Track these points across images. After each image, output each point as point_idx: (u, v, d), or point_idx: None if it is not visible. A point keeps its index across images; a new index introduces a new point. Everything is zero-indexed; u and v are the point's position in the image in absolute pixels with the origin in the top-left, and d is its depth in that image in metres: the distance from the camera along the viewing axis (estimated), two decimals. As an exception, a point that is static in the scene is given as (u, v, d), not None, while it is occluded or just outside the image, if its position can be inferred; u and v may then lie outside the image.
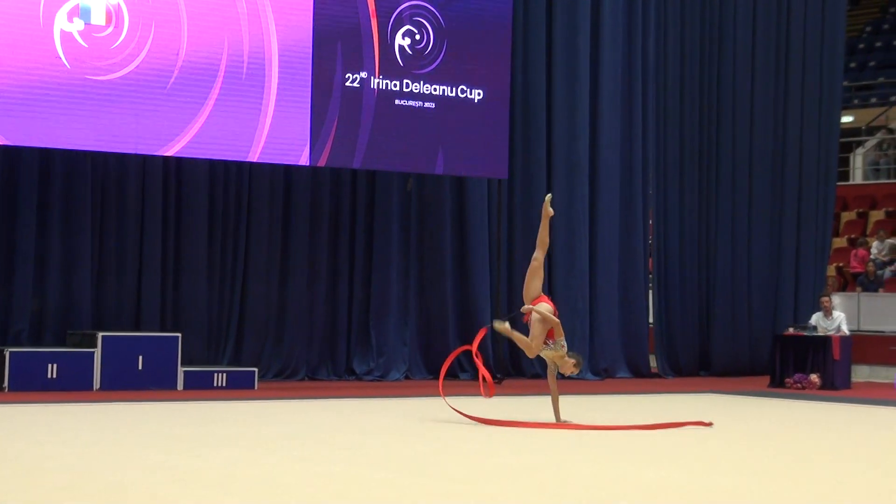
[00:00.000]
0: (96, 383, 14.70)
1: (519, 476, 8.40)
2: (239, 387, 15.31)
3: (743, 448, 10.34)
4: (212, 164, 16.43)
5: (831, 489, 8.17)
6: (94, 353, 14.73)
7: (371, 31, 16.23)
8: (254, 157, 15.54)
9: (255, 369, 15.75)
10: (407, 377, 17.57)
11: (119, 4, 14.75)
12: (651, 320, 19.68)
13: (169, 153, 15.11)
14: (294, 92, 15.65)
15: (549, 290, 18.51)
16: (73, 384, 14.49)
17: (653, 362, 19.55)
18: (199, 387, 15.10)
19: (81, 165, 15.84)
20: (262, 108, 15.46)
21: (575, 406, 14.14)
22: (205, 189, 16.61)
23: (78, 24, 14.54)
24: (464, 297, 18.05)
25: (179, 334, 15.38)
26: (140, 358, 14.95)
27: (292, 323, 17.05)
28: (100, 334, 14.90)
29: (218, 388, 15.21)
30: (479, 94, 16.87)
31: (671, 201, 19.70)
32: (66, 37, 14.46)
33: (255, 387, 15.44)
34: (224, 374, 15.40)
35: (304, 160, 15.80)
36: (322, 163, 15.95)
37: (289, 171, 16.95)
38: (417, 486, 7.86)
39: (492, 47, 16.95)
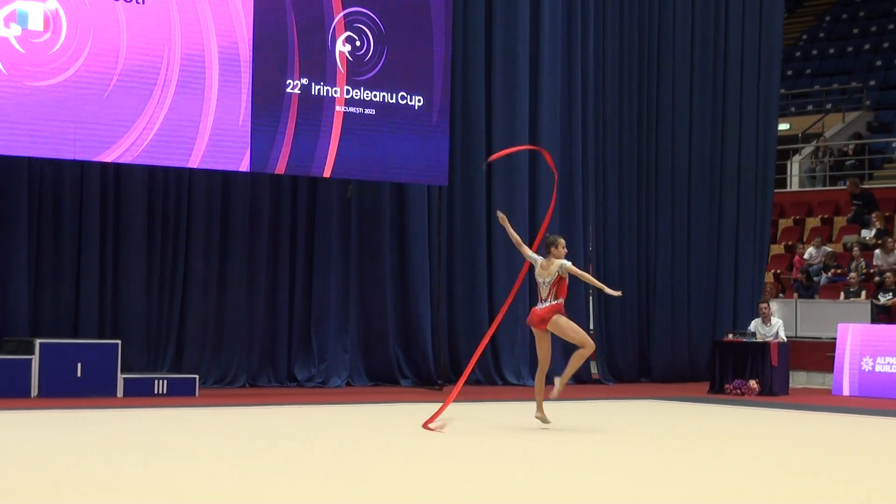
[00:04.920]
0: (34, 390, 14.68)
1: (459, 483, 8.55)
2: (179, 394, 15.35)
3: (674, 453, 10.56)
4: (150, 171, 16.47)
5: (755, 492, 8.40)
6: (31, 360, 14.71)
7: (311, 37, 16.34)
8: (194, 163, 15.60)
9: (196, 376, 15.79)
10: (348, 384, 17.68)
11: (57, 10, 14.77)
12: (591, 327, 19.90)
13: (108, 160, 15.14)
14: (234, 98, 15.73)
15: (489, 296, 18.74)
16: (9, 391, 14.45)
17: (593, 368, 19.78)
18: (140, 394, 15.12)
19: (18, 172, 15.82)
20: (203, 115, 15.53)
21: (515, 414, 14.32)
22: (143, 196, 16.64)
23: (15, 30, 14.54)
24: (404, 303, 18.19)
25: (119, 341, 15.39)
26: (79, 365, 14.95)
27: (232, 330, 17.11)
28: (37, 341, 14.88)
29: (158, 395, 15.24)
30: (419, 101, 17.03)
31: (610, 207, 19.95)
32: (3, 42, 14.46)
33: (196, 394, 15.48)
34: (164, 381, 15.43)
35: (244, 167, 15.88)
36: (263, 169, 16.03)
37: (227, 178, 17.01)
38: (359, 493, 7.99)
39: (432, 54, 17.12)
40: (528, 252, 12.08)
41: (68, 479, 8.05)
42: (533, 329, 11.97)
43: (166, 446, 10.06)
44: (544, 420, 12.08)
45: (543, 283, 11.78)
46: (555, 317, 11.74)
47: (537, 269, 11.85)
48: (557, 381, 11.98)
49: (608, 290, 12.06)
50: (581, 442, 11.21)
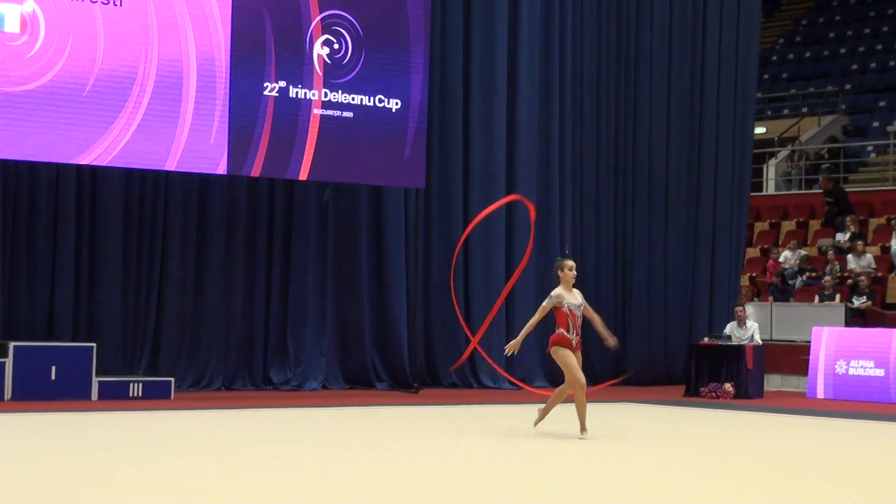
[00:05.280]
0: (7, 393, 14.66)
1: (430, 486, 8.59)
2: (155, 397, 15.33)
3: (647, 456, 10.62)
4: (127, 174, 16.46)
5: (735, 494, 8.47)
6: (5, 362, 14.69)
7: (289, 40, 16.36)
8: (171, 166, 15.61)
9: (172, 379, 15.79)
10: (324, 387, 17.70)
11: (35, 12, 14.75)
12: (567, 330, 19.92)
13: (84, 162, 15.13)
14: (212, 101, 15.74)
15: (466, 300, 18.77)
16: (-16, 394, 14.46)
17: (569, 371, 19.80)
18: (115, 397, 15.11)
19: (-7, 173, 15.80)
20: (180, 118, 15.54)
21: (491, 416, 14.37)
22: (119, 199, 16.63)
23: (-9, 31, 14.52)
24: (381, 307, 18.21)
25: (94, 344, 15.38)
26: (53, 368, 14.94)
27: (209, 333, 17.11)
28: (11, 344, 14.86)
29: (134, 398, 15.23)
30: (396, 104, 17.07)
31: (587, 211, 20.02)
32: (-21, 43, 14.45)
33: (172, 397, 15.48)
34: (140, 384, 15.42)
35: (221, 169, 15.89)
36: (240, 172, 16.05)
37: (205, 181, 17.01)
38: (336, 496, 8.02)
39: (410, 57, 17.16)
40: (544, 306, 11.69)
41: (38, 482, 8.05)
42: (571, 351, 11.64)
43: (141, 448, 10.06)
44: (538, 422, 12.15)
45: (578, 305, 11.61)
46: (552, 348, 11.74)
47: (566, 298, 11.57)
48: (583, 434, 11.67)
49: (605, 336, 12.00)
50: (556, 446, 11.26)
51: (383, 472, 9.11)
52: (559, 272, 11.71)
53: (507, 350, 12.01)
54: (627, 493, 8.39)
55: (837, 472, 9.83)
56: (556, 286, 11.77)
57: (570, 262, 11.79)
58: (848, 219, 23.87)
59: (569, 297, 11.60)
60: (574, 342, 11.60)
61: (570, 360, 11.58)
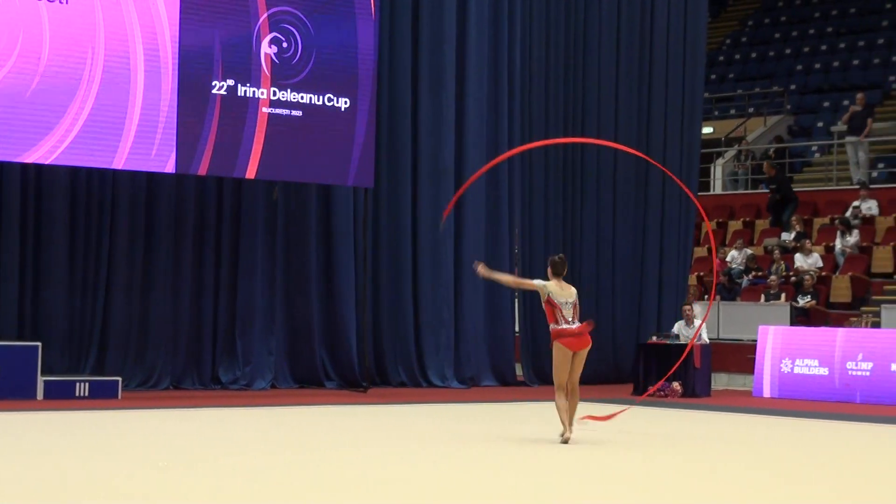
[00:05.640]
0: (-48, 393, 14.53)
1: (378, 488, 8.60)
2: (102, 396, 15.22)
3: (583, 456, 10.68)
4: (73, 172, 16.33)
5: (682, 492, 8.53)
6: (-51, 362, 14.55)
7: (236, 38, 16.28)
8: (118, 164, 15.50)
9: (119, 379, 15.68)
10: (273, 386, 17.64)
11: (-22, 8, 14.60)
12: (517, 329, 20.02)
13: (29, 160, 14.99)
14: (160, 99, 15.64)
15: (415, 299, 18.78)
16: (-73, 394, 14.31)
17: (518, 370, 19.89)
18: (60, 397, 14.98)
19: (-63, 171, 15.64)
20: (127, 116, 15.42)
21: (440, 416, 14.39)
22: (66, 197, 16.50)
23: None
24: (330, 306, 18.17)
25: (39, 343, 15.24)
26: (-3, 367, 14.80)
27: (156, 332, 17.00)
28: (-44, 344, 14.72)
29: (80, 397, 15.11)
30: (345, 103, 17.04)
31: (536, 210, 20.07)
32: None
33: (119, 396, 15.37)
34: (86, 384, 15.31)
35: (169, 168, 15.80)
36: (187, 171, 15.96)
37: (152, 180, 16.90)
38: (280, 496, 8.01)
39: (358, 56, 17.11)
40: (532, 282, 11.83)
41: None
42: (569, 351, 11.44)
43: (85, 448, 9.99)
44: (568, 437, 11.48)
45: (566, 303, 11.50)
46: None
47: (554, 291, 11.49)
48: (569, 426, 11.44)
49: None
50: (507, 447, 11.30)
51: (336, 472, 9.11)
52: (549, 271, 11.68)
53: (475, 265, 11.94)
54: (568, 492, 8.43)
55: (787, 470, 9.93)
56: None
57: (555, 256, 11.87)
58: (793, 218, 24.11)
59: (556, 289, 11.52)
60: (575, 328, 11.42)
61: (556, 362, 11.44)
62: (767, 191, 25.29)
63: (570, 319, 11.45)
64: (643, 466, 9.94)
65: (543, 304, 11.56)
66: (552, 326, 11.49)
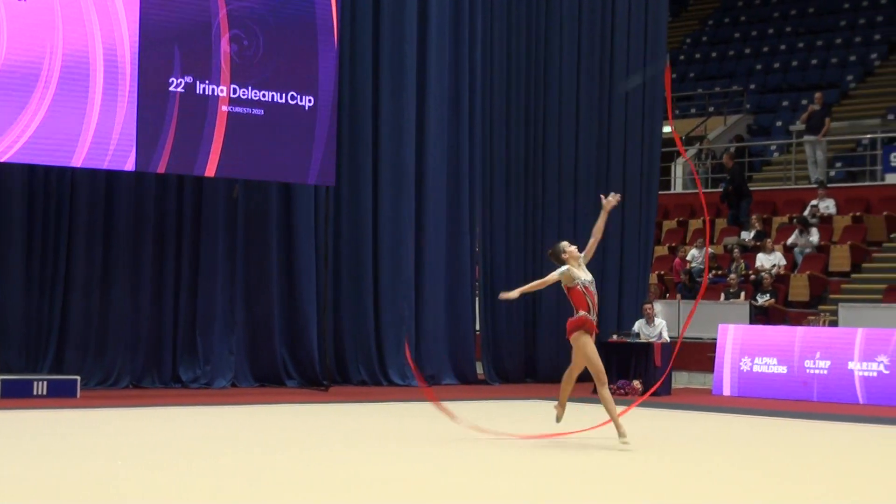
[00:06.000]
0: None
1: (341, 488, 8.61)
2: (60, 395, 15.14)
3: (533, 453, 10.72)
4: (31, 170, 16.22)
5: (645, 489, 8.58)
6: None
7: (196, 35, 16.21)
8: (77, 162, 15.41)
9: (78, 377, 15.59)
10: (234, 385, 17.59)
11: (-64, 4, 14.47)
12: (477, 327, 20.05)
13: (-13, 157, 14.89)
14: (119, 97, 15.56)
15: (376, 297, 18.77)
16: None
17: (479, 369, 19.92)
18: (18, 396, 14.88)
19: None
20: (86, 113, 15.34)
21: (401, 415, 14.40)
22: (23, 195, 16.41)
23: None
24: (291, 304, 18.14)
25: (-4, 342, 15.17)
26: (-46, 366, 14.69)
27: (116, 330, 16.92)
28: (-90, 343, 14.60)
29: (38, 396, 15.02)
30: (306, 101, 16.99)
31: (497, 208, 20.10)
32: None
33: (78, 395, 15.29)
34: (44, 383, 15.21)
35: (129, 166, 15.73)
36: (149, 169, 15.90)
37: (112, 177, 16.82)
38: (246, 495, 8.00)
39: (319, 55, 17.08)
40: (550, 277, 11.22)
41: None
42: (587, 335, 11.07)
43: (43, 447, 9.94)
44: (560, 417, 11.48)
45: (591, 281, 11.05)
46: (575, 334, 11.20)
47: (574, 273, 10.97)
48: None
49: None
50: (465, 445, 11.32)
51: (302, 472, 9.10)
52: (560, 258, 11.08)
53: (501, 296, 11.35)
54: (545, 490, 8.46)
55: (748, 467, 10.00)
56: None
57: (564, 243, 11.22)
58: (753, 217, 24.26)
59: (580, 272, 10.97)
60: (594, 322, 11.03)
61: (591, 352, 10.98)
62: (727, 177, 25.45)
63: (595, 307, 11.00)
64: (608, 463, 9.99)
65: (570, 292, 10.97)
66: (581, 314, 10.96)
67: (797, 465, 10.41)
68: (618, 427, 10.85)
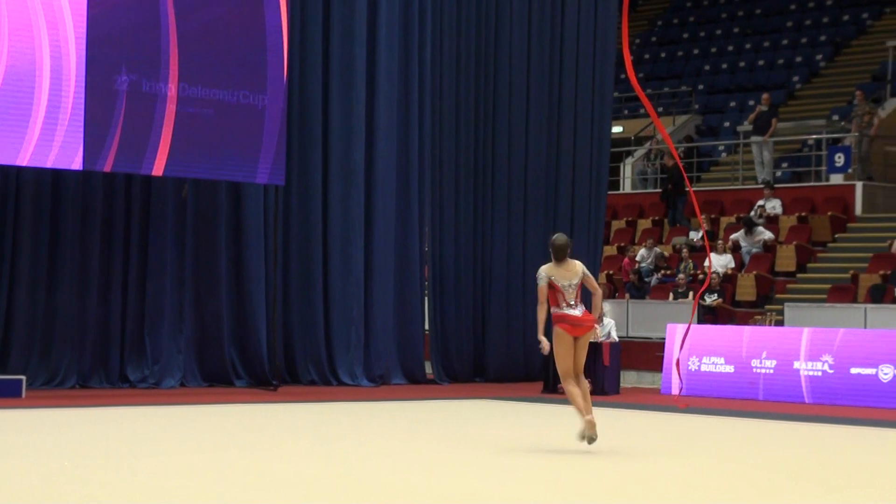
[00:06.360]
0: None
1: (293, 484, 8.60)
2: (5, 395, 14.98)
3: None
4: (-25, 168, 16.09)
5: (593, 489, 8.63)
6: None
7: (145, 33, 16.09)
8: (23, 160, 15.27)
9: (23, 377, 15.46)
10: (182, 384, 17.50)
11: None
12: (426, 327, 20.06)
13: (-69, 155, 14.74)
14: (66, 95, 15.43)
15: (325, 297, 18.74)
16: None
17: (428, 368, 19.94)
18: (-37, 396, 14.76)
19: None
20: (33, 112, 15.21)
21: (349, 413, 14.39)
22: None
23: None
24: (240, 304, 18.08)
25: (-61, 342, 15.00)
26: None
27: (62, 330, 16.80)
28: None
29: (-18, 396, 14.90)
30: (255, 101, 16.92)
31: (447, 209, 20.12)
32: None
33: (23, 395, 15.16)
34: (-11, 383, 15.08)
35: (76, 165, 15.61)
36: (96, 168, 15.79)
37: (58, 177, 16.70)
38: (190, 493, 7.98)
39: (268, 54, 17.01)
40: (541, 288, 10.78)
41: None
42: (569, 337, 10.72)
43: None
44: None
45: (568, 285, 10.72)
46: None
47: (554, 275, 10.72)
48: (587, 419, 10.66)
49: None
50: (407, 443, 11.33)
51: (251, 472, 9.09)
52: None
53: (543, 349, 10.92)
54: (459, 485, 8.48)
55: (695, 466, 10.08)
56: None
57: (554, 237, 11.03)
58: (701, 217, 24.38)
59: (557, 272, 10.76)
60: (578, 315, 10.72)
61: (557, 350, 10.75)
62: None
63: (573, 303, 10.75)
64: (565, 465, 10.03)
65: (544, 289, 10.75)
66: (553, 310, 10.77)
67: (754, 464, 10.51)
68: (583, 411, 10.66)
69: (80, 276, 17.01)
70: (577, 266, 10.85)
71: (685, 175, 13.97)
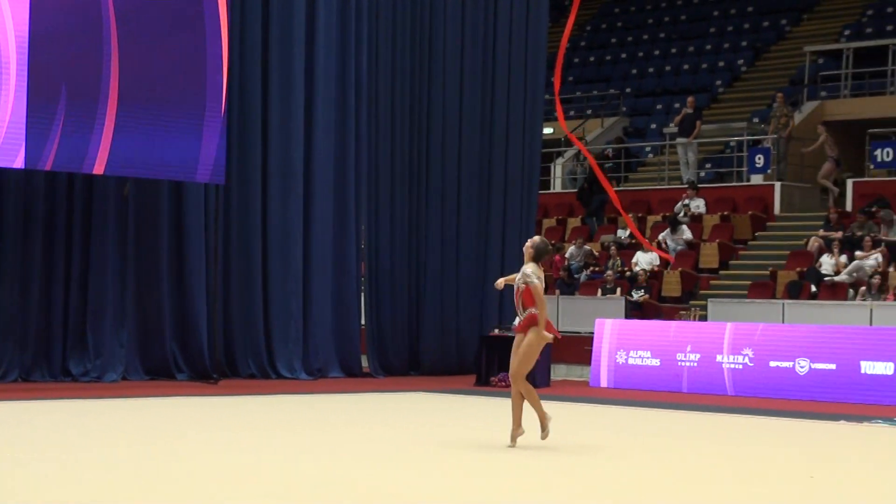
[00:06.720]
0: None
1: (231, 477, 8.56)
2: (-52, 390, 14.81)
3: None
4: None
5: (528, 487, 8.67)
6: None
7: (86, 34, 15.92)
8: (-34, 158, 15.07)
9: (-35, 372, 15.27)
10: (124, 378, 17.35)
11: None
12: (363, 322, 20.04)
13: None
14: (7, 94, 15.25)
15: (265, 293, 18.66)
16: None
17: (364, 362, 19.92)
18: None
19: None
20: (-24, 110, 15.00)
21: (288, 406, 14.35)
22: None
23: None
24: (181, 299, 17.97)
25: None
26: None
27: (4, 324, 16.61)
28: None
29: (-76, 391, 14.68)
30: (196, 101, 16.81)
31: (383, 207, 20.10)
32: None
33: (-35, 389, 14.98)
34: (-70, 377, 14.86)
35: (18, 163, 15.42)
36: (38, 166, 15.62)
37: (0, 175, 16.47)
38: (131, 488, 7.92)
39: (208, 54, 16.89)
40: (540, 284, 10.47)
41: None
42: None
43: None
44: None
45: (519, 278, 10.42)
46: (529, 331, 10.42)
47: (541, 277, 10.45)
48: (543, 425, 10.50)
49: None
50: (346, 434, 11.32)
51: (175, 463, 9.03)
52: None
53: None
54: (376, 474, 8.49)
55: (619, 458, 10.15)
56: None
57: (540, 240, 10.67)
58: (629, 215, 24.56)
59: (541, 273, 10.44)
60: (518, 323, 10.54)
61: (536, 354, 10.64)
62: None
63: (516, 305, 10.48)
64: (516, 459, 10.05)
65: (538, 292, 10.38)
66: (537, 312, 10.37)
67: (682, 456, 10.60)
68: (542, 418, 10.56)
69: (22, 272, 16.82)
70: (526, 266, 10.49)
71: (602, 178, 13.85)
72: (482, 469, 9.25)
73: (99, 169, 16.10)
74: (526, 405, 10.62)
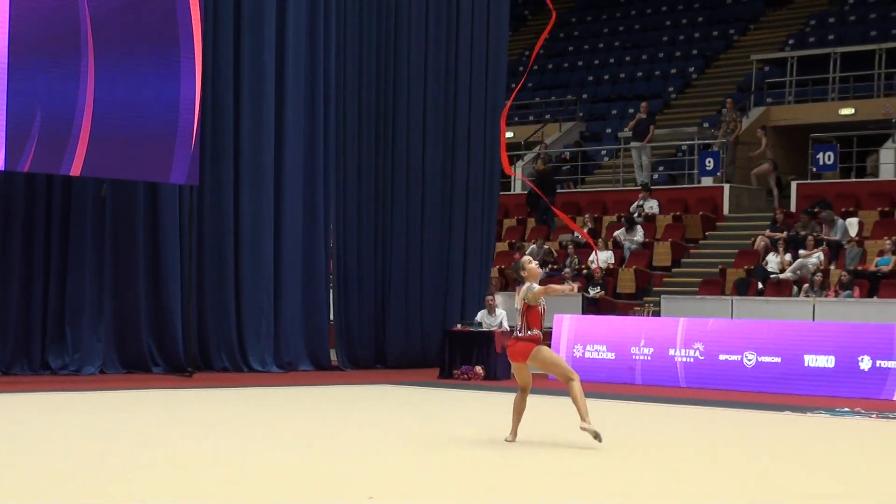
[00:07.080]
0: None
1: (205, 468, 8.68)
2: (-69, 384, 14.82)
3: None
4: None
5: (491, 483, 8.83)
6: None
7: (64, 36, 15.92)
8: (-53, 161, 15.08)
9: (-53, 366, 15.29)
10: (102, 371, 17.42)
11: None
12: (331, 318, 20.16)
13: None
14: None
15: (237, 290, 18.76)
16: None
17: (333, 356, 20.04)
18: None
19: None
20: (-42, 113, 15.02)
21: (260, 399, 14.43)
22: None
23: None
24: (157, 296, 18.03)
25: None
26: None
27: (-16, 320, 16.63)
28: None
29: None
30: (170, 103, 16.86)
31: (350, 207, 20.23)
32: None
33: (-53, 383, 15.00)
34: (-89, 371, 14.85)
35: (-2, 164, 15.45)
36: (17, 168, 15.64)
37: (-20, 175, 16.54)
38: (102, 481, 8.03)
39: (181, 58, 16.94)
40: (526, 293, 10.16)
41: None
42: (544, 347, 10.26)
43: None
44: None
45: (517, 310, 10.10)
46: (534, 350, 10.14)
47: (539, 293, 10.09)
48: (585, 424, 10.13)
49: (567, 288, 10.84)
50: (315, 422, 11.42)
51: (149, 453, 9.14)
52: (519, 274, 10.28)
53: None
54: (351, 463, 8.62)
55: (573, 449, 10.33)
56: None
57: (525, 259, 10.35)
58: (586, 216, 24.81)
59: (517, 297, 10.22)
60: (518, 346, 10.30)
61: (555, 356, 10.54)
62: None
63: (519, 328, 10.28)
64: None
65: (529, 311, 10.16)
66: (536, 332, 10.24)
67: (636, 446, 10.79)
68: (584, 416, 10.25)
69: (2, 269, 16.84)
70: (521, 291, 10.23)
71: (543, 195, 13.96)
72: (443, 459, 9.41)
73: (76, 171, 16.14)
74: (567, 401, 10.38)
